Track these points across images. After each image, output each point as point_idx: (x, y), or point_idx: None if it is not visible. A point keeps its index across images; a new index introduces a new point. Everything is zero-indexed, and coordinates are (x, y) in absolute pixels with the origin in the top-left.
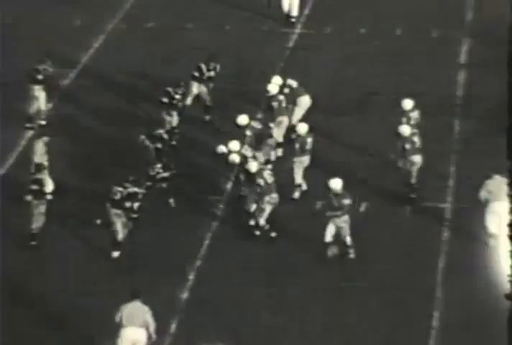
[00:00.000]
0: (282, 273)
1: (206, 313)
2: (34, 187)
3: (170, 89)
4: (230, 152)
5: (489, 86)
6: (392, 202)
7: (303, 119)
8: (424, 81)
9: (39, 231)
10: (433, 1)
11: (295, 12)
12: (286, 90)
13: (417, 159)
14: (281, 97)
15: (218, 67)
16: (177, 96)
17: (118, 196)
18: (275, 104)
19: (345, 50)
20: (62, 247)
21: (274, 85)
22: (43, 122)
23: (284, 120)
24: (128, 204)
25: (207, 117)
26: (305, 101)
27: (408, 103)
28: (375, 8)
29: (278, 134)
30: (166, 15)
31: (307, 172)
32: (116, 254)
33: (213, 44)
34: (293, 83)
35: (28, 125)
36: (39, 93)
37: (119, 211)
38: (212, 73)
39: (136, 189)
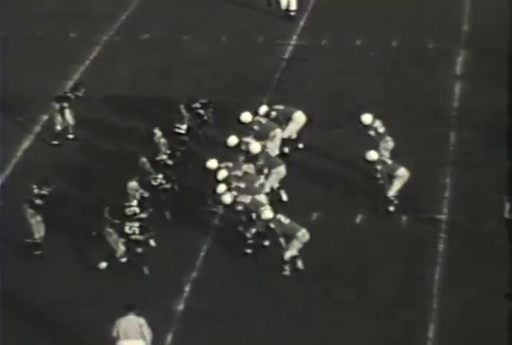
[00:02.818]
0: (278, 284)
1: (202, 324)
2: (38, 201)
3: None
4: (219, 181)
5: (485, 97)
6: (388, 213)
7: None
8: (420, 92)
9: (42, 240)
10: (429, 12)
11: (293, 6)
12: (274, 113)
13: (401, 172)
14: (258, 118)
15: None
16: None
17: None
18: (256, 127)
19: (341, 62)
20: (61, 258)
21: (246, 114)
22: (71, 136)
23: (277, 133)
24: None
25: (200, 131)
26: (299, 116)
27: (367, 118)
28: (371, 19)
29: (272, 147)
30: (162, 27)
31: (301, 184)
32: (103, 264)
33: (208, 56)
34: (280, 107)
35: (55, 142)
36: (67, 114)
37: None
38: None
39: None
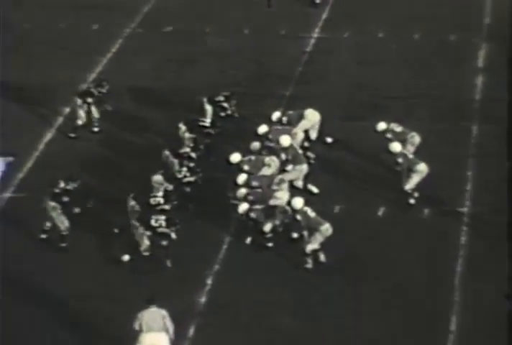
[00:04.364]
0: (300, 277)
1: (224, 317)
2: (64, 198)
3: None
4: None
5: (507, 90)
6: (409, 206)
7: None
8: (442, 85)
9: (68, 231)
10: (451, 4)
11: None
12: (284, 119)
13: (421, 167)
14: (273, 127)
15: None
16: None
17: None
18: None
19: (363, 54)
20: (83, 251)
21: (263, 126)
22: (96, 129)
23: (298, 132)
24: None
25: (220, 125)
26: (311, 113)
27: (380, 126)
28: (393, 12)
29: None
30: (184, 19)
31: (323, 177)
32: (126, 257)
33: (231, 49)
34: (290, 112)
35: (72, 135)
36: (91, 108)
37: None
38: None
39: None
